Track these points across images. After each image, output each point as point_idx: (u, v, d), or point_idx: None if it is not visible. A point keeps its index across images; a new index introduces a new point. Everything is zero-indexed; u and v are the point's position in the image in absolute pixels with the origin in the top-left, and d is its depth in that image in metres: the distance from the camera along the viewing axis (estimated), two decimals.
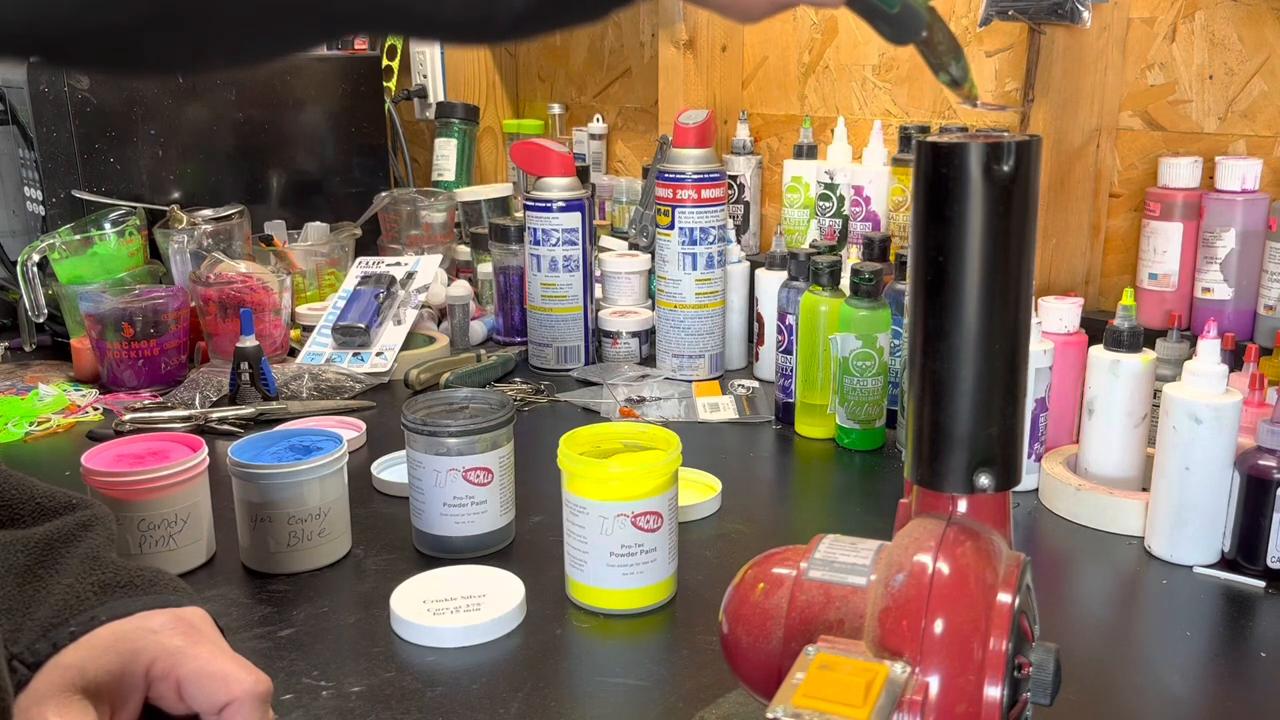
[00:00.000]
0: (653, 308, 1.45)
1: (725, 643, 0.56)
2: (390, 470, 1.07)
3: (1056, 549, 0.93)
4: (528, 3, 0.37)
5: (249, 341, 1.26)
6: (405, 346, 1.43)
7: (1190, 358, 0.88)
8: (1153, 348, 0.98)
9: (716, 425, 1.23)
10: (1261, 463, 0.84)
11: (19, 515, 0.58)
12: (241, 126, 1.67)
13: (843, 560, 0.54)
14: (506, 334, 1.53)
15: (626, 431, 0.87)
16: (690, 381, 1.36)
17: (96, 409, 1.28)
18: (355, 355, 1.41)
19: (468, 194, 1.76)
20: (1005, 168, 0.48)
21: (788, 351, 1.20)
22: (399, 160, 2.04)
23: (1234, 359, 0.98)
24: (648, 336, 1.46)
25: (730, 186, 1.53)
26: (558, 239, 1.39)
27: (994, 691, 0.47)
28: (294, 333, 1.52)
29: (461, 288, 1.54)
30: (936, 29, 0.46)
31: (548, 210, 1.39)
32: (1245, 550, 0.86)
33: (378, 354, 1.41)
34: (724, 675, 0.63)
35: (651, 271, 1.49)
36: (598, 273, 1.51)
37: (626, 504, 0.79)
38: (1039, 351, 0.98)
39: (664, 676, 0.74)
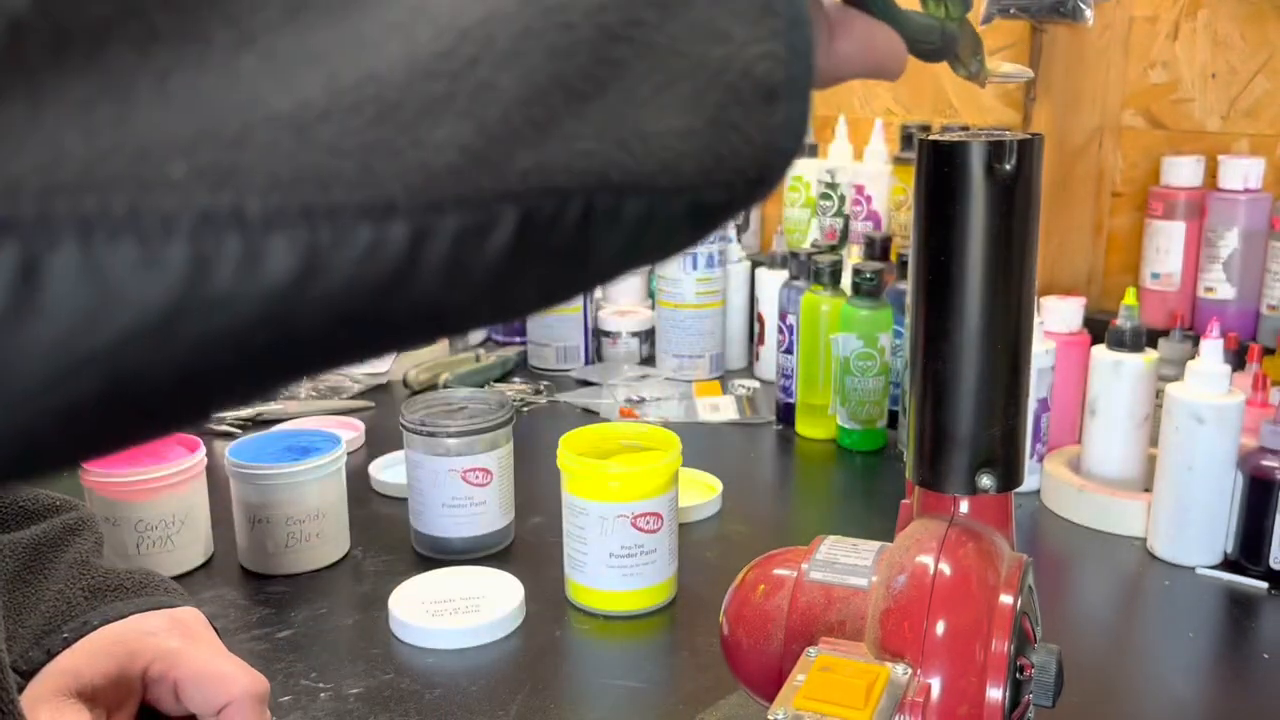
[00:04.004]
0: (653, 307, 1.45)
1: (725, 644, 0.56)
2: (389, 471, 1.07)
3: (1058, 550, 0.93)
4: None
5: None
6: None
7: (1193, 358, 0.88)
8: (1155, 347, 0.97)
9: (717, 426, 1.23)
10: (1264, 463, 0.84)
11: (4, 519, 0.57)
12: None
13: (844, 561, 0.54)
14: (505, 334, 1.53)
15: (626, 432, 0.86)
16: (690, 382, 1.35)
17: None
18: None
19: None
20: (1007, 166, 0.47)
21: (788, 352, 1.19)
22: None
23: (1237, 359, 0.98)
24: (648, 336, 1.45)
25: None
26: None
27: (996, 693, 0.46)
28: None
29: None
30: (966, 37, 0.45)
31: None
32: (1248, 551, 0.85)
33: None
34: (724, 677, 0.62)
35: (651, 271, 1.49)
36: None
37: (626, 505, 0.79)
38: (1041, 351, 0.98)
39: (664, 679, 0.74)
